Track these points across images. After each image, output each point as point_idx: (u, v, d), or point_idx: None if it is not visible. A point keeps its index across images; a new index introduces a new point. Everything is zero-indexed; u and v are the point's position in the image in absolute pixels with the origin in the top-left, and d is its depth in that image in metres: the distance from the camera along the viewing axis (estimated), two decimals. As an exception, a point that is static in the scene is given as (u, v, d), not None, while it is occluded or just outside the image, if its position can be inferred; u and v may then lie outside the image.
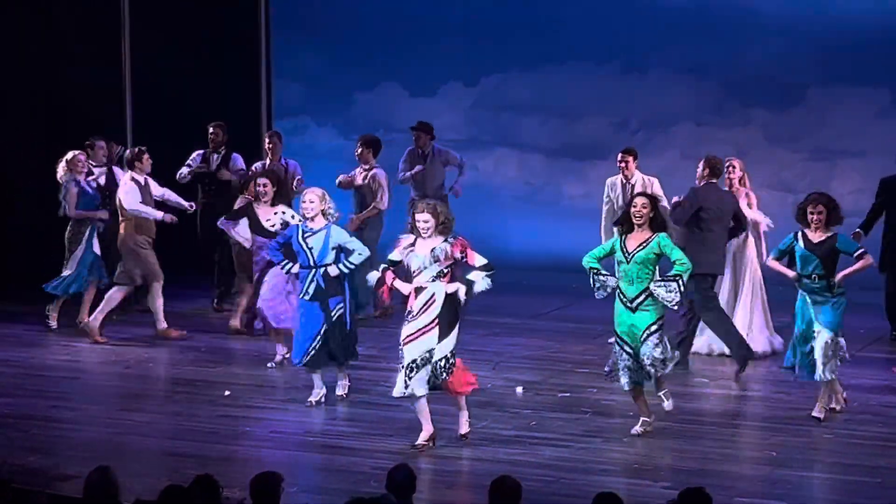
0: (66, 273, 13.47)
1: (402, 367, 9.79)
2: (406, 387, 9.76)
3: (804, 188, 12.89)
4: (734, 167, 12.63)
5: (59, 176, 13.54)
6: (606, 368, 10.55)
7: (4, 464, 8.94)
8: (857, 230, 12.48)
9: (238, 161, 14.66)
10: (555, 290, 14.01)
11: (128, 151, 14.00)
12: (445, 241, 9.84)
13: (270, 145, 14.48)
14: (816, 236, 10.58)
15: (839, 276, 10.54)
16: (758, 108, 16.37)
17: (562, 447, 9.95)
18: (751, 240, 12.71)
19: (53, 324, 13.69)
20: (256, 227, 12.53)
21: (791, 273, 10.67)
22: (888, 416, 10.88)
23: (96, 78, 16.04)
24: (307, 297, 11.04)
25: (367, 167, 14.03)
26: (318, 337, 11.00)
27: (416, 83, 17.44)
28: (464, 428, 10.00)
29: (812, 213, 10.56)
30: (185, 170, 14.52)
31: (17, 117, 15.50)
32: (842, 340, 10.59)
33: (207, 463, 9.14)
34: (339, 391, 11.33)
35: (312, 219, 11.06)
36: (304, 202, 11.13)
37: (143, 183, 13.40)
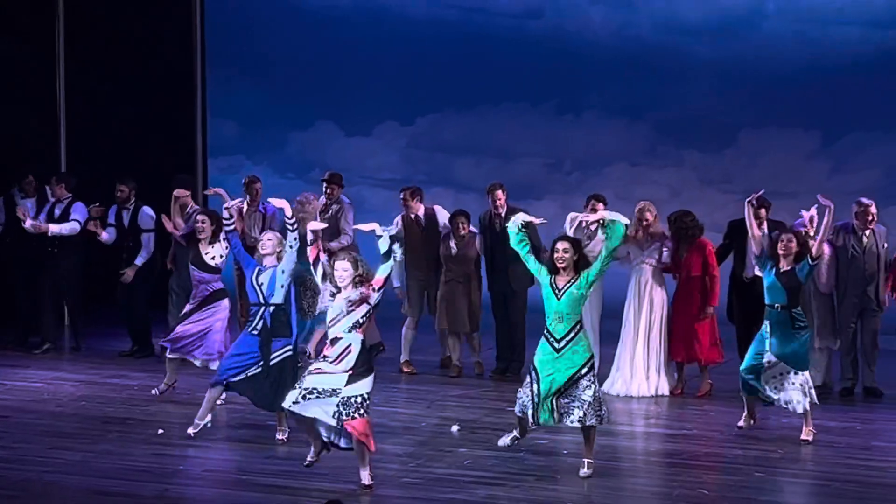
0: None
1: (299, 386, 9.59)
2: (296, 402, 9.55)
3: (736, 229, 13.06)
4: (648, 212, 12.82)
5: None
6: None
7: None
8: None
9: (146, 214, 14.46)
10: (488, 328, 13.97)
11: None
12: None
13: (256, 189, 14.41)
14: (784, 265, 10.97)
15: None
16: (691, 150, 16.53)
17: (496, 486, 9.87)
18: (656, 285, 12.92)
19: None
20: (197, 260, 12.58)
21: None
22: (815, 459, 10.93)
23: (33, 114, 16.05)
24: (255, 333, 11.02)
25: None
26: (251, 368, 10.96)
27: (351, 122, 17.43)
28: (366, 480, 9.77)
29: (783, 241, 10.98)
30: (105, 235, 14.45)
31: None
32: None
33: (140, 502, 9.09)
34: (280, 436, 11.22)
35: (265, 258, 11.12)
36: (262, 240, 11.24)
37: None
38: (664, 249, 12.93)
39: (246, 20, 17.46)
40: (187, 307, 12.79)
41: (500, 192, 13.45)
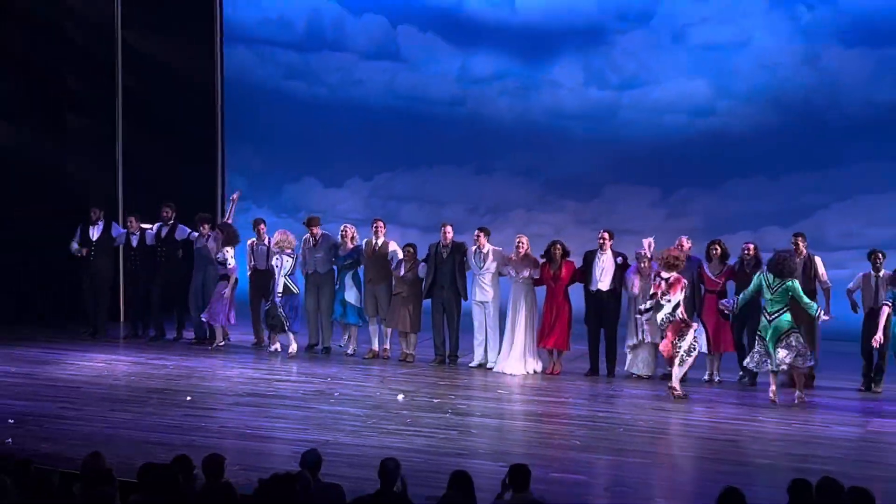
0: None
1: None
2: None
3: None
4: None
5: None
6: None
7: (24, 450, 8.81)
8: None
9: (183, 230, 14.51)
10: (426, 327, 14.01)
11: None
12: None
13: (261, 228, 14.18)
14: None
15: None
16: (569, 199, 16.46)
17: (430, 438, 9.89)
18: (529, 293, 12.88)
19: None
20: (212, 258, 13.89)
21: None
22: (659, 415, 11.01)
23: (103, 170, 16.13)
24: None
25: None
26: None
27: (328, 178, 17.39)
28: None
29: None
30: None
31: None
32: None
33: (173, 449, 8.82)
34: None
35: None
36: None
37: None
38: (535, 269, 12.81)
39: (254, 104, 17.31)
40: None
41: (448, 228, 13.16)
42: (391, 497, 6.71)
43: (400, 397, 11.50)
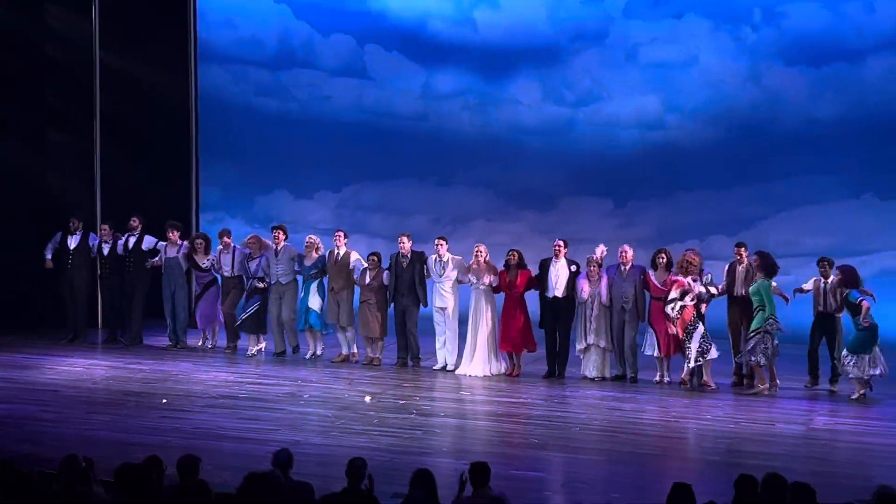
0: None
1: None
2: None
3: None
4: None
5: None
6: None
7: (5, 451, 8.75)
8: None
9: (150, 240, 14.43)
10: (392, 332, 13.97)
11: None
12: None
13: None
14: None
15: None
16: (527, 210, 16.46)
17: (395, 437, 9.92)
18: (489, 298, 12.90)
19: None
20: (195, 265, 13.95)
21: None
22: (614, 414, 11.08)
23: (81, 183, 16.01)
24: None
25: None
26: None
27: (298, 189, 17.31)
28: None
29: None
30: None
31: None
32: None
33: (150, 450, 8.68)
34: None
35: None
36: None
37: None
38: (494, 276, 12.84)
39: (227, 120, 17.22)
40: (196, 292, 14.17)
41: (404, 238, 13.21)
42: (358, 494, 6.70)
43: (367, 399, 11.48)
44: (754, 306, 11.76)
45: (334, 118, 17.01)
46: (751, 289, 11.87)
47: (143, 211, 14.62)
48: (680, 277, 12.06)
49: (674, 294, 12.03)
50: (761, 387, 11.82)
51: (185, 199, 16.90)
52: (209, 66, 17.12)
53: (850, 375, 11.67)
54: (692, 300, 11.98)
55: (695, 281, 12.07)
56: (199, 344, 14.39)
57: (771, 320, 11.65)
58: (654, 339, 12.31)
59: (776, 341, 11.75)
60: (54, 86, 15.92)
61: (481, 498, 6.57)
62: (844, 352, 11.70)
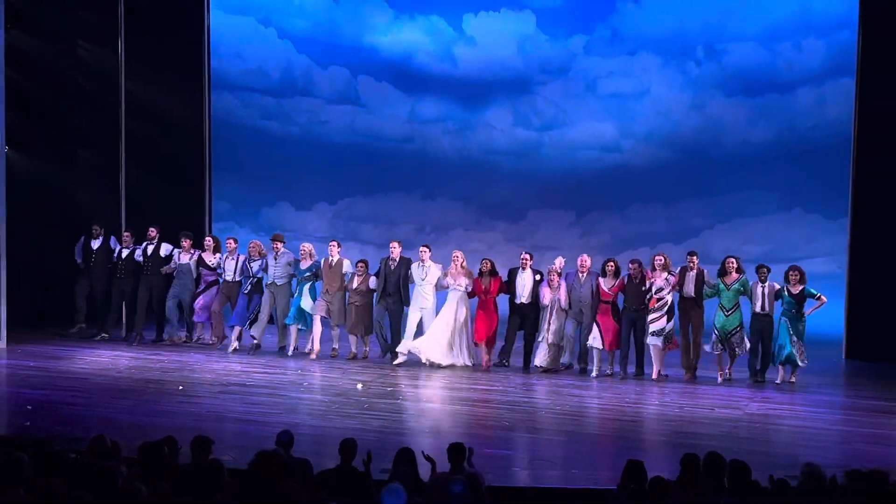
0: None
1: None
2: None
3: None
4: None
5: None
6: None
7: (42, 431, 8.80)
8: None
9: (167, 248, 14.25)
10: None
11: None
12: None
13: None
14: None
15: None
16: (500, 221, 16.43)
17: (383, 420, 9.89)
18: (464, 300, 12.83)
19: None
20: (203, 263, 13.73)
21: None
22: (574, 400, 11.05)
23: (104, 189, 15.88)
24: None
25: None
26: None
27: (299, 202, 17.20)
28: None
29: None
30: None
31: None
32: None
33: (167, 431, 8.63)
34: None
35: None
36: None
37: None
38: (469, 279, 12.80)
39: (236, 141, 17.10)
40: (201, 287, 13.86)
41: (394, 244, 13.08)
42: (350, 470, 6.72)
43: (359, 386, 11.45)
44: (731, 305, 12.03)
45: (330, 140, 16.97)
46: (734, 287, 12.04)
47: (161, 221, 14.55)
48: (665, 274, 12.15)
49: (659, 283, 12.08)
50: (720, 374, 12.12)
51: (200, 211, 16.87)
52: (221, 93, 17.07)
53: (801, 363, 11.83)
54: (668, 292, 12.08)
55: (671, 274, 12.18)
56: (195, 338, 14.06)
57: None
58: (599, 333, 12.35)
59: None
60: (84, 111, 15.86)
61: (458, 474, 6.54)
62: (795, 338, 11.82)
